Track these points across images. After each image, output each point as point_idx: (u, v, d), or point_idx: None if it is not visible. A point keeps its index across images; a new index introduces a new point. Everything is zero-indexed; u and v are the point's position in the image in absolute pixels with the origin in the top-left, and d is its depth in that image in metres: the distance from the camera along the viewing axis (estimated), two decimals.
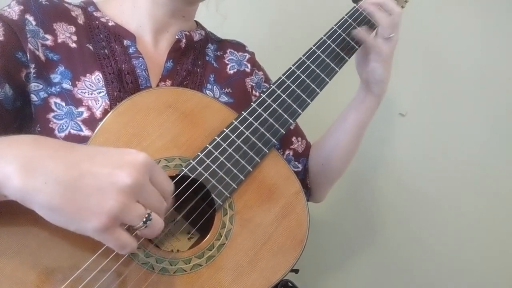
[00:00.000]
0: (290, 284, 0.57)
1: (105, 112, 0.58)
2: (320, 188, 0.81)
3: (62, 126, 0.57)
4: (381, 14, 0.66)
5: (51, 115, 0.57)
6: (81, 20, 0.64)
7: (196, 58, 0.70)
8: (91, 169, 0.39)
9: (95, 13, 0.66)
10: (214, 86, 0.70)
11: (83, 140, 0.56)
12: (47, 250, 0.39)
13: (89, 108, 0.58)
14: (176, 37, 0.68)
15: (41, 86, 0.58)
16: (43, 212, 0.38)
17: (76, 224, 0.39)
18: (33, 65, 0.57)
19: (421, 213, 1.12)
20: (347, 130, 0.74)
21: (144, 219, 0.40)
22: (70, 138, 0.56)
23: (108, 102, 0.59)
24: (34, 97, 0.57)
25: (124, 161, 0.40)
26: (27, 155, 0.38)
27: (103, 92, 0.59)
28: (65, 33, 0.61)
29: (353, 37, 0.66)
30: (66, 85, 0.58)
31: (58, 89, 0.58)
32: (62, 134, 0.57)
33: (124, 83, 0.61)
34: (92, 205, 0.38)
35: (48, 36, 0.59)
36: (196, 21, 0.76)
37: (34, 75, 0.57)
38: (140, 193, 0.40)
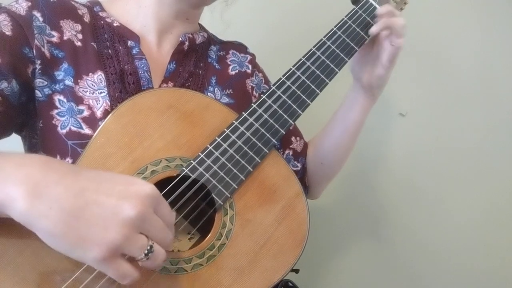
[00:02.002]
0: (290, 284, 0.57)
1: (106, 112, 0.58)
2: (318, 185, 0.83)
3: (64, 123, 0.57)
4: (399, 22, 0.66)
5: (54, 112, 0.58)
6: (87, 19, 0.64)
7: (198, 60, 0.71)
8: (96, 198, 0.39)
9: (100, 13, 0.66)
10: (216, 88, 0.71)
11: (83, 138, 0.57)
12: (48, 250, 0.39)
13: (89, 107, 0.58)
14: (180, 39, 0.68)
15: (46, 83, 0.58)
16: (45, 237, 0.39)
17: (77, 253, 0.39)
18: (38, 61, 0.57)
19: (421, 213, 1.12)
20: (346, 130, 0.75)
21: (146, 251, 0.40)
22: (71, 135, 0.57)
23: (109, 103, 0.59)
24: (38, 93, 0.58)
25: (129, 192, 0.40)
26: (35, 178, 0.38)
27: (104, 92, 0.60)
28: (71, 31, 0.61)
29: (354, 38, 0.66)
30: (68, 82, 0.59)
31: (62, 86, 0.58)
32: (64, 131, 0.57)
33: (126, 84, 0.62)
34: (94, 236, 0.38)
35: (54, 33, 0.59)
36: (199, 24, 0.76)
37: (40, 71, 0.57)
38: (143, 225, 0.40)
